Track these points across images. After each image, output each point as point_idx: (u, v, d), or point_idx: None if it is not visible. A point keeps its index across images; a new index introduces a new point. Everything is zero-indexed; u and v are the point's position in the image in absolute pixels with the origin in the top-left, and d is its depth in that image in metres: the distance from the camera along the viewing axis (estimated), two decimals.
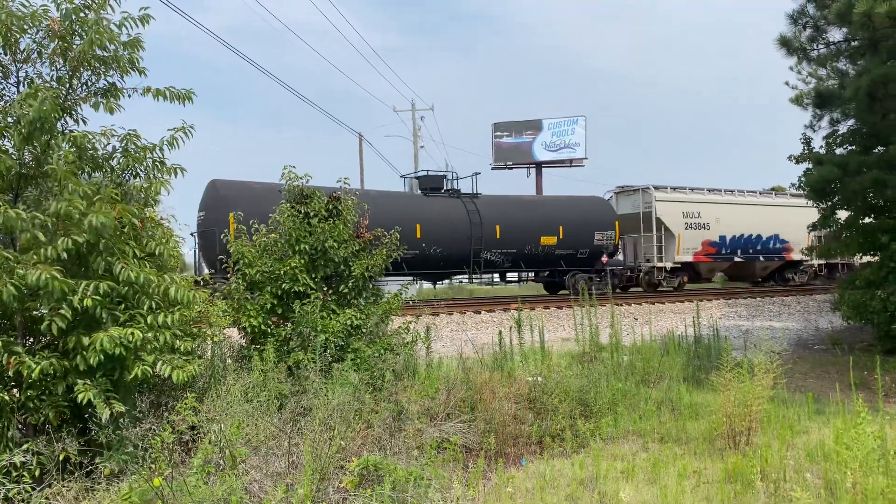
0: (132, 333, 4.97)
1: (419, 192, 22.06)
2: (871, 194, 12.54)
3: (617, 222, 23.66)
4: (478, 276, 22.12)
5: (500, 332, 9.62)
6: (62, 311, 4.83)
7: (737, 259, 26.43)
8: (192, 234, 18.04)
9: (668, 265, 24.63)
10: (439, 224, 20.38)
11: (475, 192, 22.38)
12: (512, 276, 24.09)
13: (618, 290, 23.61)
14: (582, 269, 23.09)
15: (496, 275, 23.34)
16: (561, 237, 22.46)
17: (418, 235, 19.72)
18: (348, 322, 7.28)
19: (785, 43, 12.94)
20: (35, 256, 4.87)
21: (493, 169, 42.63)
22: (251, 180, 18.47)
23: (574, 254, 22.86)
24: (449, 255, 20.60)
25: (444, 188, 22.42)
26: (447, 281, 23.22)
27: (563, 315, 18.48)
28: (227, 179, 18.42)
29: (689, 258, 24.99)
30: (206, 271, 17.18)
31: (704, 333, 11.09)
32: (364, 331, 7.46)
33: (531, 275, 24.21)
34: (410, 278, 20.52)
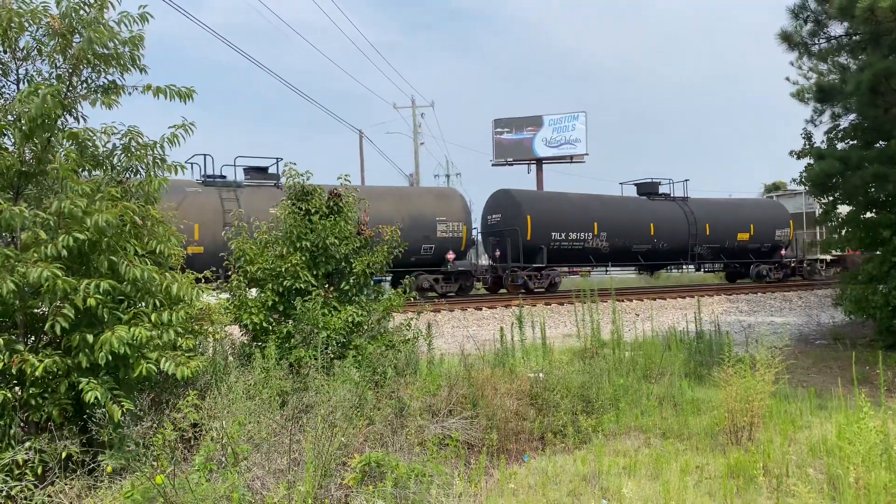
0: (139, 332, 4.97)
1: (640, 196, 26.58)
2: (873, 189, 12.52)
3: (791, 221, 27.97)
4: (690, 265, 27.06)
5: (502, 329, 9.61)
6: (65, 311, 4.83)
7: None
8: (481, 232, 23.47)
9: (828, 258, 28.56)
10: (666, 223, 25.08)
11: (685, 195, 26.93)
12: (700, 266, 28.58)
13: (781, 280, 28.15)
14: (763, 261, 27.63)
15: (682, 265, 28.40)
16: (752, 234, 27.04)
17: (651, 233, 24.61)
18: (350, 319, 7.27)
19: (786, 38, 12.91)
20: (35, 254, 4.87)
21: (493, 165, 42.59)
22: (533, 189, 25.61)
23: (759, 247, 27.49)
24: (671, 249, 25.39)
25: (659, 193, 26.83)
26: (664, 270, 28.95)
27: (563, 311, 18.47)
28: (518, 189, 23.95)
29: (843, 252, 28.13)
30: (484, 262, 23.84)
31: (706, 329, 11.08)
32: (365, 328, 7.46)
33: (713, 265, 28.52)
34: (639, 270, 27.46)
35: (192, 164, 18.24)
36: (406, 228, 17.46)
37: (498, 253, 22.38)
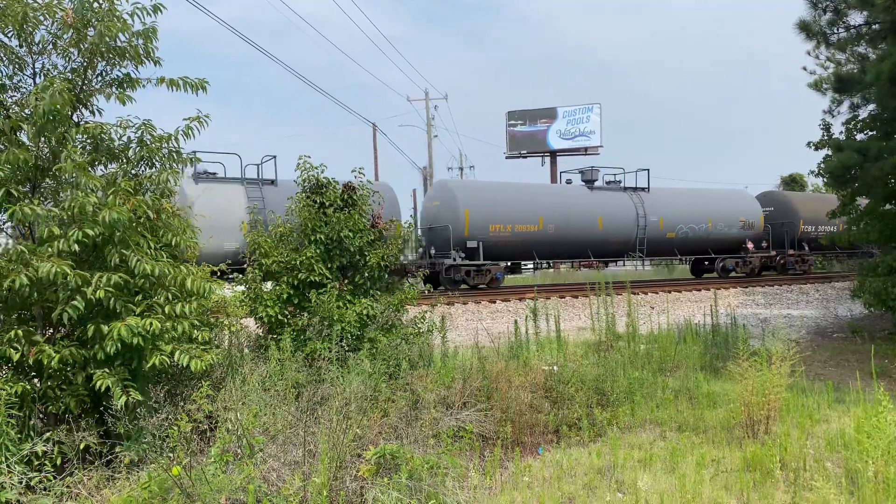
0: (150, 323, 5.00)
1: None
2: (893, 181, 12.36)
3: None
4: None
5: (516, 322, 9.59)
6: (75, 302, 4.87)
7: None
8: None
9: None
10: None
11: None
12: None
13: None
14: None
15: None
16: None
17: None
18: (364, 312, 7.28)
19: (804, 27, 12.74)
20: (49, 249, 4.90)
21: (507, 158, 42.51)
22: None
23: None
24: None
25: None
26: None
27: (578, 304, 18.41)
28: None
29: None
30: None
31: (722, 322, 11.00)
32: (380, 320, 7.47)
33: None
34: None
35: None
36: None
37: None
